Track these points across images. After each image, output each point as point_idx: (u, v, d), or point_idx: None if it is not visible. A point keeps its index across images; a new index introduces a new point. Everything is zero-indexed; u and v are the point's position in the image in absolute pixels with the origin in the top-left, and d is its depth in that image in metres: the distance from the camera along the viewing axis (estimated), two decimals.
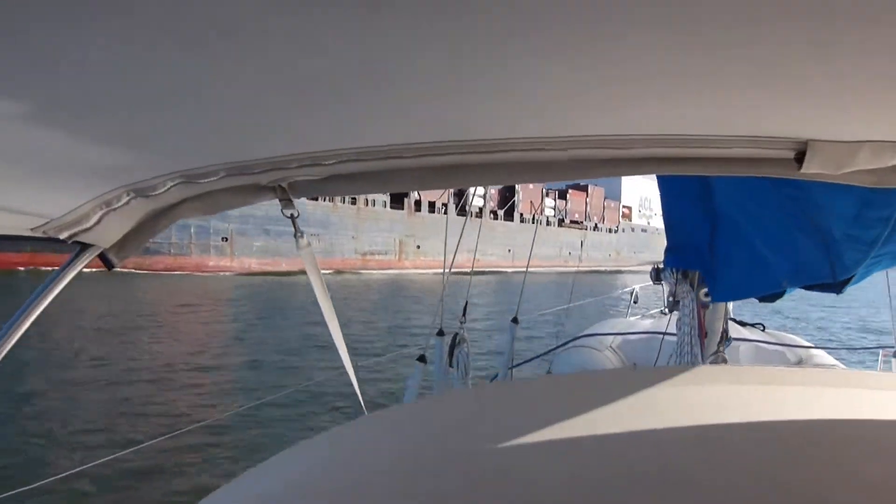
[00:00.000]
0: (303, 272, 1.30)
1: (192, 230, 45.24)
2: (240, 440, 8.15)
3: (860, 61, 0.65)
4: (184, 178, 0.99)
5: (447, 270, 3.83)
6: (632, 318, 6.57)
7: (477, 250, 4.45)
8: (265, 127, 0.87)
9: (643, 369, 2.49)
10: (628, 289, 7.78)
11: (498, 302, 27.20)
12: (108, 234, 1.07)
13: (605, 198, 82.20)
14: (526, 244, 66.45)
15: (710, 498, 1.04)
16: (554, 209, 73.91)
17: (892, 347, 4.66)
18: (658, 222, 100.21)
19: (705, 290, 3.07)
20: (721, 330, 3.19)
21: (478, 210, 64.66)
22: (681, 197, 2.95)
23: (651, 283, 3.99)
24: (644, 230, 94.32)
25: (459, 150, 0.98)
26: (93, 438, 8.24)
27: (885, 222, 2.10)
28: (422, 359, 3.52)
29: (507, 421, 1.31)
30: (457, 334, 3.69)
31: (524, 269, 4.90)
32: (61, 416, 9.21)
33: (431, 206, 59.15)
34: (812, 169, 1.06)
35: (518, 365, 5.39)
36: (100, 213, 1.01)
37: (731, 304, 3.29)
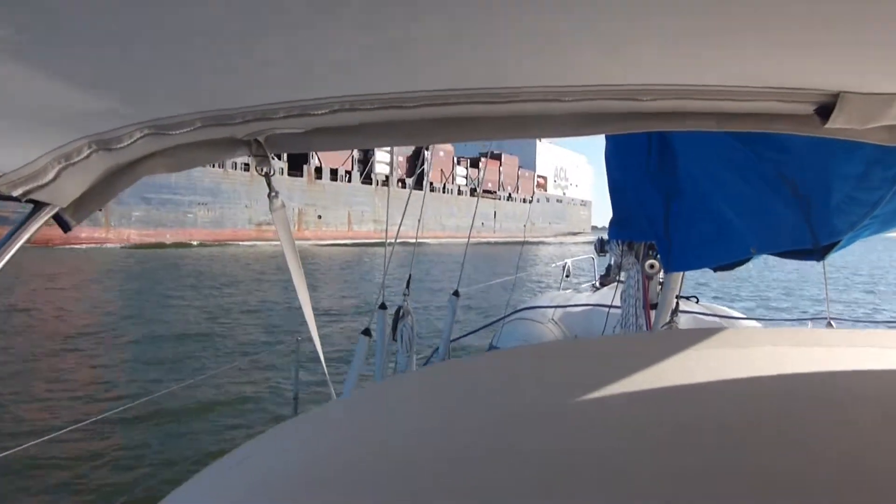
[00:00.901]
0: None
1: None
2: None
3: None
4: (153, 128, 0.95)
5: (394, 241, 3.91)
6: (565, 292, 6.69)
7: (387, 220, 4.56)
8: (248, 71, 0.82)
9: (587, 341, 2.59)
10: (559, 263, 8.08)
11: (409, 275, 26.38)
12: (65, 192, 1.00)
13: (519, 167, 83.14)
14: (435, 214, 66.87)
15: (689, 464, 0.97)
16: (466, 178, 73.95)
17: (825, 318, 4.73)
18: (574, 193, 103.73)
19: (650, 262, 3.23)
20: (675, 301, 3.32)
21: (384, 178, 64.87)
22: (631, 167, 2.94)
23: (595, 254, 4.44)
24: (559, 200, 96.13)
25: (464, 100, 0.95)
26: None
27: (891, 182, 2.07)
28: (366, 332, 3.58)
29: (511, 392, 1.25)
30: (400, 307, 3.77)
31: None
32: None
33: (333, 173, 56.76)
34: (837, 124, 1.04)
35: (459, 338, 5.71)
36: (57, 168, 0.95)
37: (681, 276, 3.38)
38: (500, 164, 76.54)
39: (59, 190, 0.97)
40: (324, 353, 1.56)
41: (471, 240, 5.70)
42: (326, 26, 0.65)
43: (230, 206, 50.00)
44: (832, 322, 4.58)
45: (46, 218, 1.02)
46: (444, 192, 68.44)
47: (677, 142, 2.60)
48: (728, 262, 2.73)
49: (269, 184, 1.18)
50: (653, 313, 3.29)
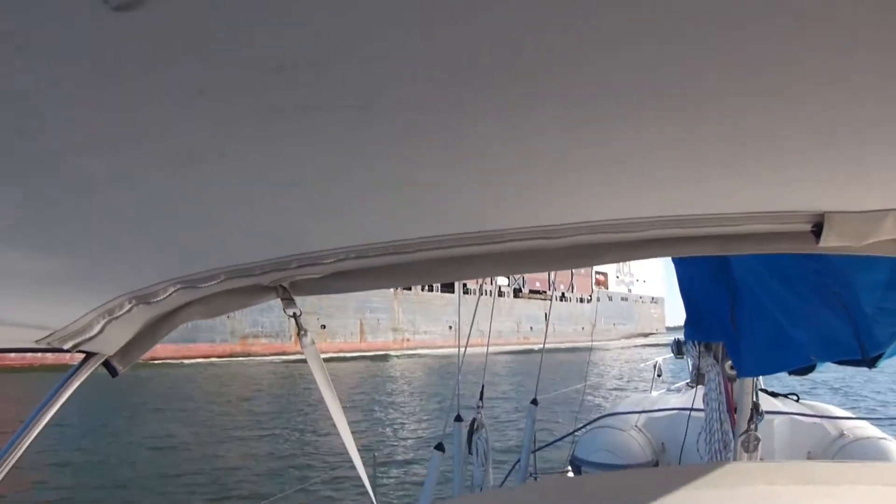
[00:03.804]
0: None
1: None
2: None
3: (876, 129, 0.71)
4: (184, 283, 1.11)
5: (462, 350, 4.04)
6: (656, 394, 6.66)
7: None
8: (262, 230, 0.99)
9: (672, 469, 3.03)
10: (650, 362, 8.32)
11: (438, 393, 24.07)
12: (111, 342, 1.19)
13: None
14: (470, 320, 60.82)
15: None
16: (508, 277, 68.95)
17: None
18: (640, 289, 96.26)
19: (730, 363, 3.23)
20: (751, 406, 3.31)
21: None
22: (697, 268, 3.09)
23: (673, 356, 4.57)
24: (624, 298, 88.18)
25: (460, 244, 1.09)
26: None
27: None
28: (439, 447, 3.59)
29: None
30: (474, 419, 3.84)
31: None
32: None
33: None
34: (831, 242, 1.13)
35: (541, 448, 5.91)
36: (102, 323, 1.12)
37: (761, 377, 3.33)
38: None
39: (106, 341, 1.15)
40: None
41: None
42: (323, 187, 0.79)
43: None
44: None
45: (96, 366, 1.19)
46: (480, 293, 63.02)
47: None
48: (791, 368, 2.82)
49: (298, 324, 1.34)
50: None
